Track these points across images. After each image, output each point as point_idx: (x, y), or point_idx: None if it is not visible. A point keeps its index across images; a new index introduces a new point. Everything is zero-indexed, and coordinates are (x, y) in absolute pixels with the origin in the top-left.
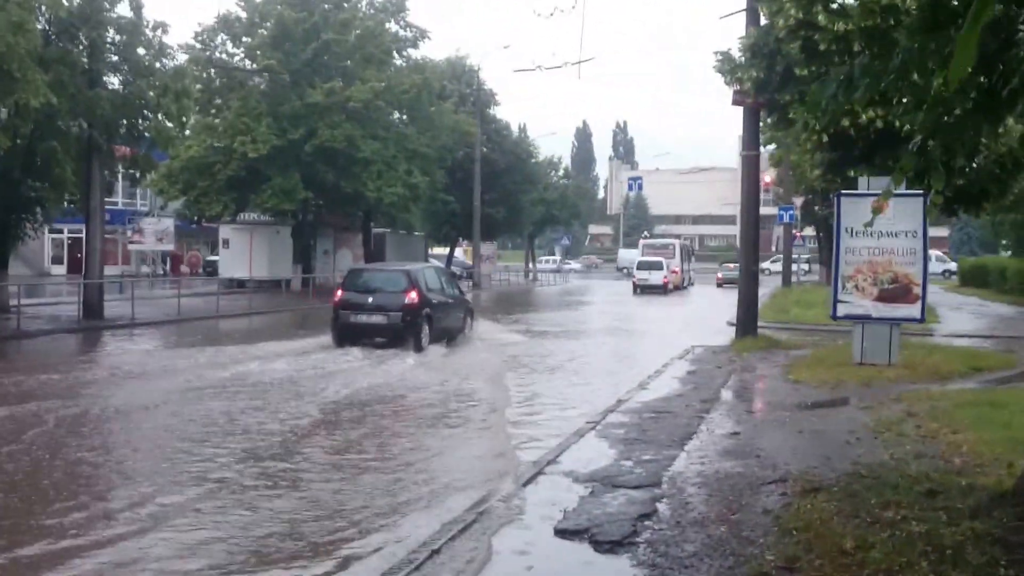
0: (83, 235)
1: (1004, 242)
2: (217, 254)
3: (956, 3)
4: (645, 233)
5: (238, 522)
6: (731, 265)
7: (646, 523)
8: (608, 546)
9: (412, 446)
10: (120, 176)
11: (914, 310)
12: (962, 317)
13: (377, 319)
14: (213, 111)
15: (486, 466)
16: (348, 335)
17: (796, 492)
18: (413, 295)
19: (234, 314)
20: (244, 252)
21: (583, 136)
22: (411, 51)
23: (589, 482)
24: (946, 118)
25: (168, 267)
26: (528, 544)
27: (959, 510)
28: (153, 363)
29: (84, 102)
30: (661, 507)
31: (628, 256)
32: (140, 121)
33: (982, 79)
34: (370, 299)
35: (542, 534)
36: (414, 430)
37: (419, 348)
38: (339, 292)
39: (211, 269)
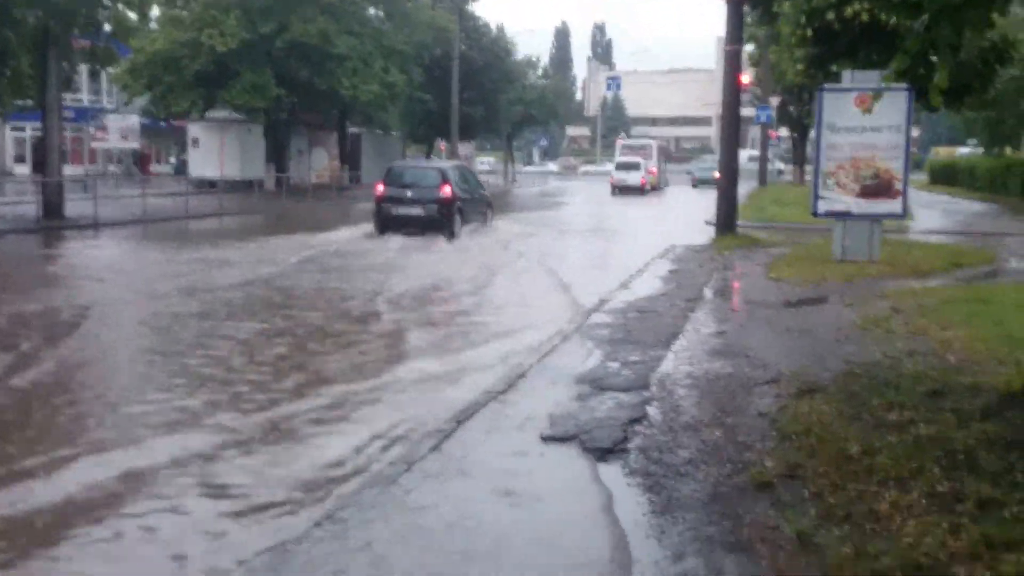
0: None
1: (974, 141)
2: (186, 153)
3: None
4: (622, 134)
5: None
6: (706, 164)
7: (637, 428)
8: (598, 454)
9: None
10: (80, 70)
11: (895, 206)
12: (935, 214)
13: (416, 211)
14: (179, 3)
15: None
16: (390, 225)
17: (791, 393)
18: (447, 190)
19: (204, 215)
20: (215, 151)
21: (562, 36)
22: None
23: (575, 384)
24: None
25: (138, 166)
26: (514, 452)
27: (968, 412)
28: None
29: None
30: (651, 411)
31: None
32: (99, 10)
33: None
34: (409, 193)
35: (528, 442)
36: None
37: (452, 235)
38: (380, 187)
39: (181, 169)
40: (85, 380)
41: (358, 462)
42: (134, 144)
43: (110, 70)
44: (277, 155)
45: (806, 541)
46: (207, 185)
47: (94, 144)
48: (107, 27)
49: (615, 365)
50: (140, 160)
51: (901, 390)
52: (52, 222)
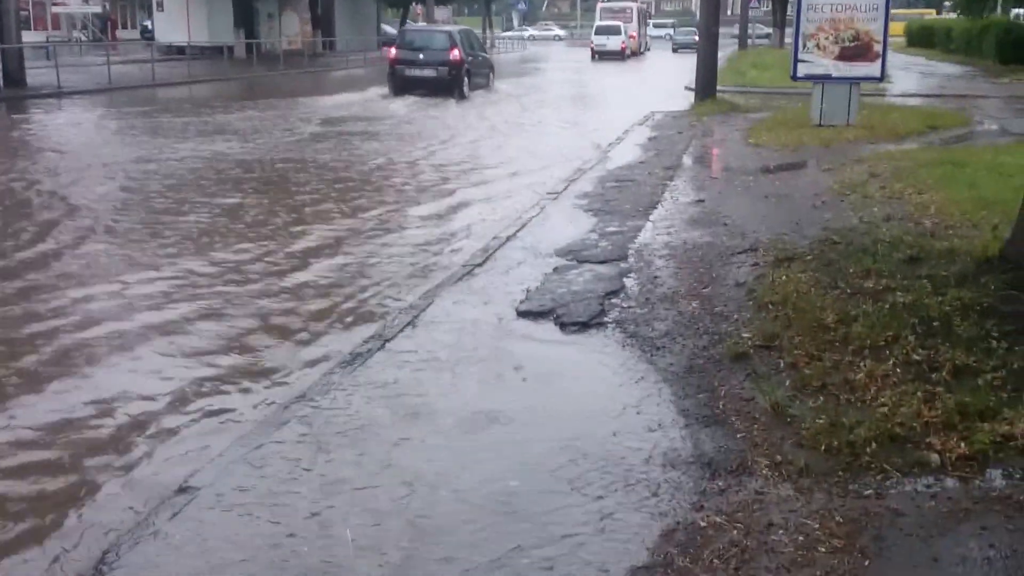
0: None
1: (950, 3)
2: (150, 18)
3: None
4: None
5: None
6: (686, 29)
7: (614, 301)
8: (575, 328)
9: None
10: None
11: (874, 68)
12: (912, 77)
13: (428, 72)
14: None
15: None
16: (404, 86)
17: (768, 262)
18: (456, 53)
19: (171, 82)
20: (181, 15)
21: None
22: None
23: (552, 257)
24: None
25: (106, 32)
26: (488, 329)
27: (944, 278)
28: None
29: None
30: (629, 282)
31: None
32: None
33: None
34: (421, 56)
35: (503, 316)
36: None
37: (462, 96)
38: (393, 50)
39: (148, 35)
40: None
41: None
42: (96, 8)
43: None
44: (246, 19)
45: (781, 413)
46: (175, 51)
47: (54, 8)
48: None
49: (593, 236)
50: (107, 25)
51: (878, 257)
52: (13, 91)
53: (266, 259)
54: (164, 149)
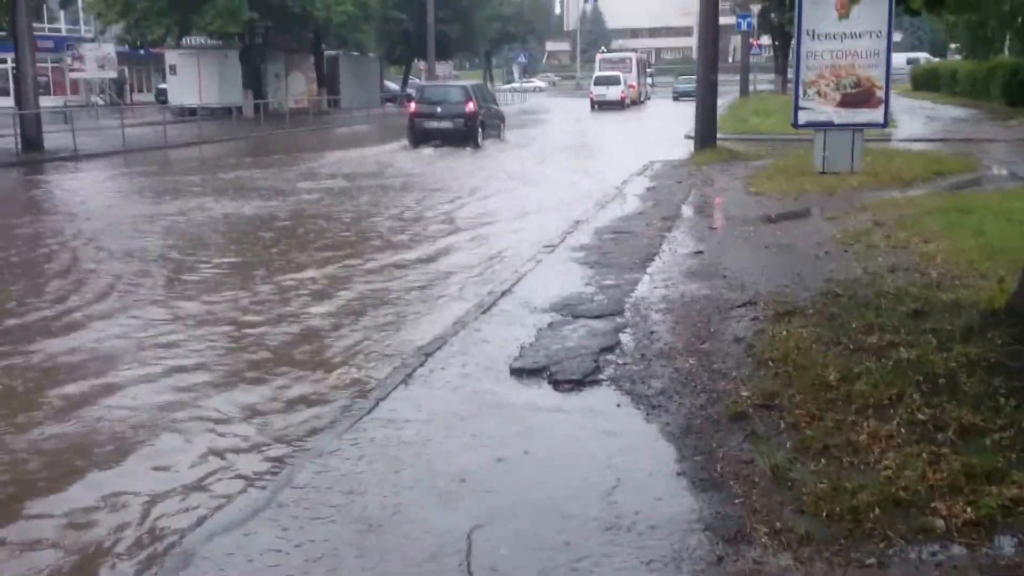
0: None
1: (954, 46)
2: (165, 81)
3: None
4: (602, 48)
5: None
6: (687, 77)
7: (609, 357)
8: (568, 386)
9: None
10: None
11: (877, 114)
12: (917, 121)
13: (445, 124)
14: None
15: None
16: (422, 137)
17: (768, 316)
18: (471, 105)
19: (183, 143)
20: (192, 79)
21: None
22: None
23: (547, 312)
24: None
25: (123, 96)
26: (481, 388)
27: (949, 332)
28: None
29: None
30: (625, 338)
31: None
32: None
33: None
34: (438, 109)
35: (496, 374)
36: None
37: (476, 146)
38: (412, 104)
39: (163, 98)
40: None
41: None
42: (112, 73)
43: None
44: (254, 80)
45: (781, 476)
46: (187, 113)
47: (72, 74)
48: None
49: (589, 290)
50: (123, 89)
51: (882, 311)
52: (31, 155)
53: (256, 307)
54: (169, 206)
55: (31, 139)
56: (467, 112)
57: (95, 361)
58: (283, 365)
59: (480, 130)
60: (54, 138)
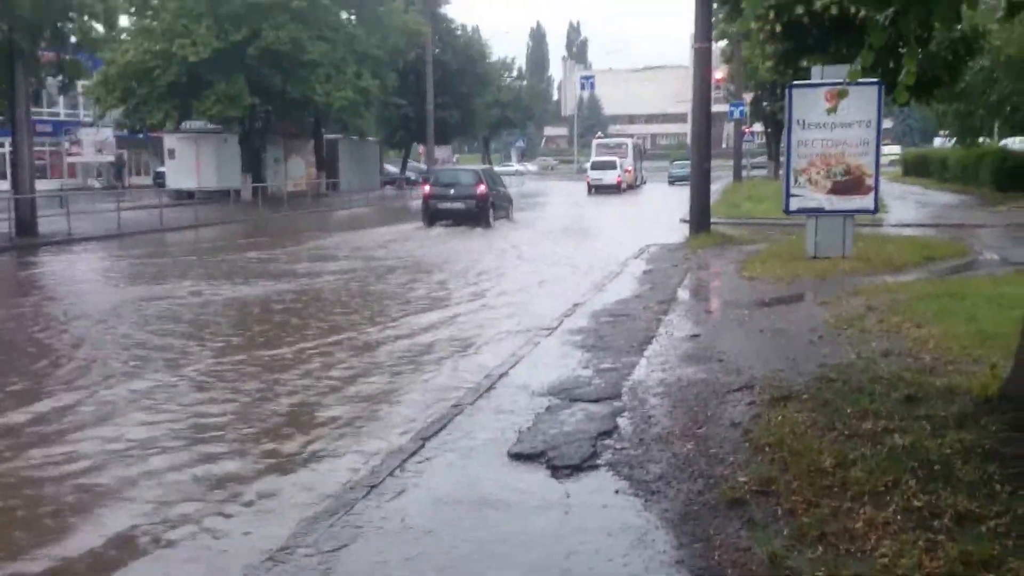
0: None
1: (944, 132)
2: (163, 165)
3: None
4: (599, 133)
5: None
6: (682, 162)
7: (607, 442)
8: (567, 471)
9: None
10: (54, 84)
11: (867, 201)
12: (908, 206)
13: (458, 205)
14: (150, 13)
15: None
16: (437, 217)
17: (764, 401)
18: (482, 188)
19: (179, 226)
20: (191, 162)
21: (537, 37)
22: None
23: (545, 396)
24: None
25: (120, 178)
26: (480, 474)
27: (943, 419)
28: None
29: (2, 3)
30: (622, 422)
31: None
32: (65, 23)
33: None
34: (451, 191)
35: (494, 459)
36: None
37: (488, 225)
38: (427, 187)
39: (160, 181)
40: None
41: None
42: (109, 157)
43: (81, 83)
44: (253, 164)
45: (779, 564)
46: (184, 196)
47: (69, 158)
48: (73, 39)
49: (587, 373)
50: (120, 172)
51: (875, 396)
52: (25, 239)
53: (245, 388)
54: (152, 290)
55: (26, 223)
56: (479, 194)
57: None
58: (279, 440)
59: (491, 211)
60: (49, 222)
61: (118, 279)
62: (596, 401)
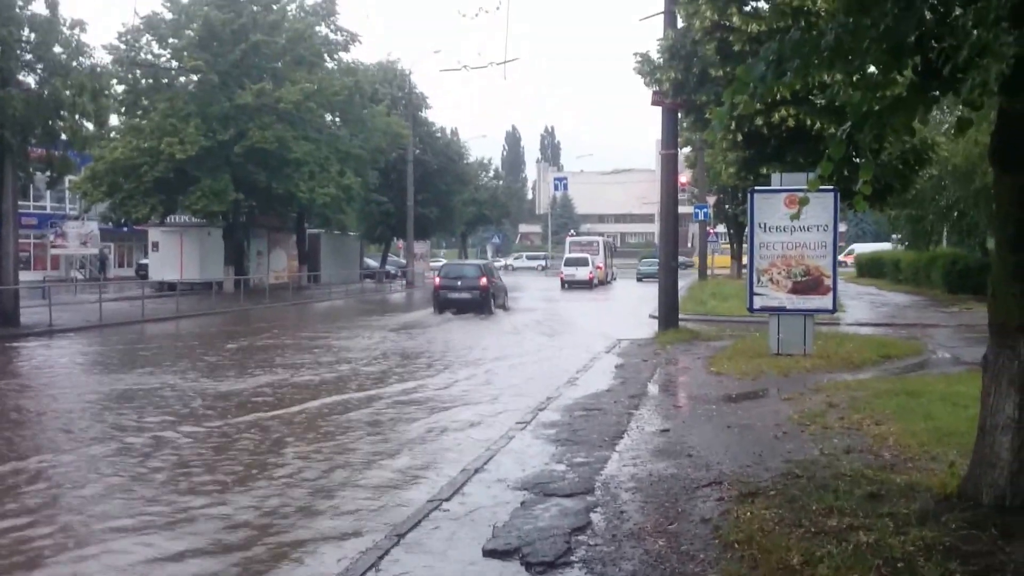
0: None
1: (897, 236)
2: (147, 257)
3: None
4: (571, 231)
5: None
6: (650, 260)
7: (580, 538)
8: (540, 568)
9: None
10: (40, 179)
11: (826, 301)
12: (864, 306)
13: (464, 295)
14: (139, 112)
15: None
16: (445, 305)
17: (733, 497)
18: (485, 280)
19: (161, 318)
20: (174, 254)
21: (513, 140)
22: (342, 54)
23: (520, 490)
24: (876, 105)
25: (104, 270)
26: (454, 570)
27: (905, 516)
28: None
29: None
30: (596, 518)
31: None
32: (55, 121)
33: (917, 59)
34: (459, 283)
35: (469, 555)
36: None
37: (489, 312)
38: (437, 279)
39: (143, 272)
40: None
41: None
42: (93, 250)
43: (69, 178)
44: (236, 257)
45: None
46: (166, 287)
47: (53, 250)
48: (64, 137)
49: (560, 468)
50: (104, 264)
51: (840, 494)
52: (6, 330)
53: (213, 488)
54: (124, 383)
55: (7, 314)
56: (481, 286)
57: None
58: (250, 545)
59: (492, 300)
60: (31, 312)
61: (93, 370)
62: (570, 496)
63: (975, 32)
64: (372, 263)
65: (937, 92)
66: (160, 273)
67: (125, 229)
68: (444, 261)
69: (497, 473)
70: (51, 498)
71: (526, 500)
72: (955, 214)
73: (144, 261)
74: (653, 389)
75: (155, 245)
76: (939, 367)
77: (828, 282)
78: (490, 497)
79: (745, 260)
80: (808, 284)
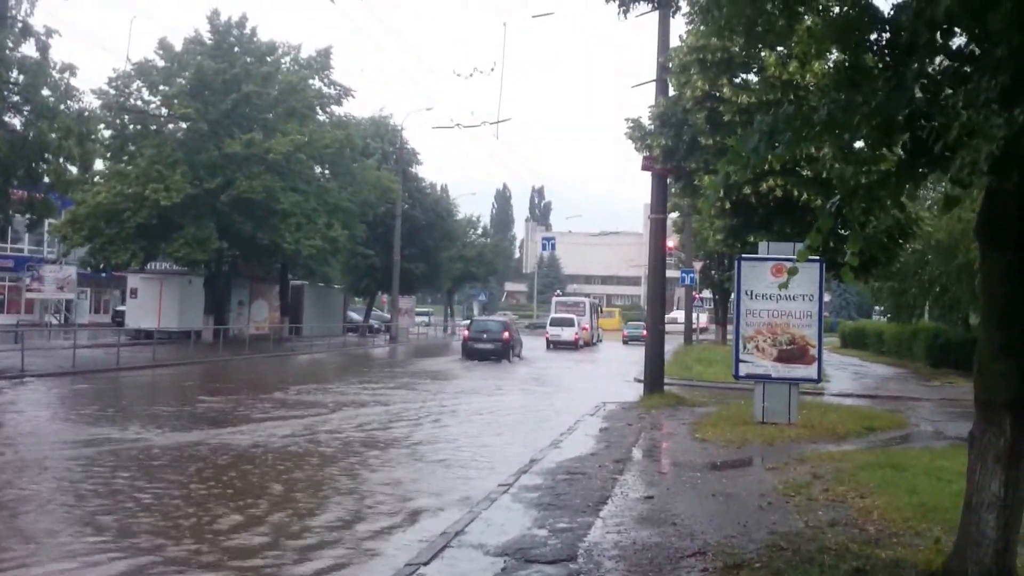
0: None
1: (880, 307)
2: (123, 304)
3: (871, 64)
4: (557, 291)
5: None
6: (636, 323)
7: None
8: None
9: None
10: (20, 221)
11: (811, 371)
12: (847, 377)
13: (489, 346)
14: (126, 158)
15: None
16: (473, 355)
17: (718, 568)
18: (507, 334)
19: (136, 366)
20: (152, 302)
21: (502, 198)
22: (335, 108)
23: (501, 556)
24: (864, 180)
25: (75, 316)
26: None
27: None
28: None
29: None
30: None
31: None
32: (39, 164)
33: (906, 135)
34: (485, 335)
35: None
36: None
37: (510, 360)
38: (466, 332)
39: (119, 319)
40: None
41: None
42: (71, 295)
43: (50, 221)
44: (217, 306)
45: None
46: (143, 335)
47: (28, 294)
48: (47, 179)
49: (543, 533)
50: (69, 307)
51: (825, 568)
52: None
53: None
54: (91, 434)
55: None
56: (504, 339)
57: None
58: None
59: (511, 351)
60: (3, 356)
61: (59, 418)
62: (552, 563)
63: (965, 113)
64: (355, 316)
65: (926, 169)
66: (137, 320)
67: (103, 275)
68: (430, 314)
69: (477, 537)
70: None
71: (507, 566)
72: (937, 288)
73: (120, 308)
74: (638, 454)
75: (133, 292)
76: (923, 441)
77: (813, 351)
78: (470, 562)
79: (730, 327)
80: (793, 353)
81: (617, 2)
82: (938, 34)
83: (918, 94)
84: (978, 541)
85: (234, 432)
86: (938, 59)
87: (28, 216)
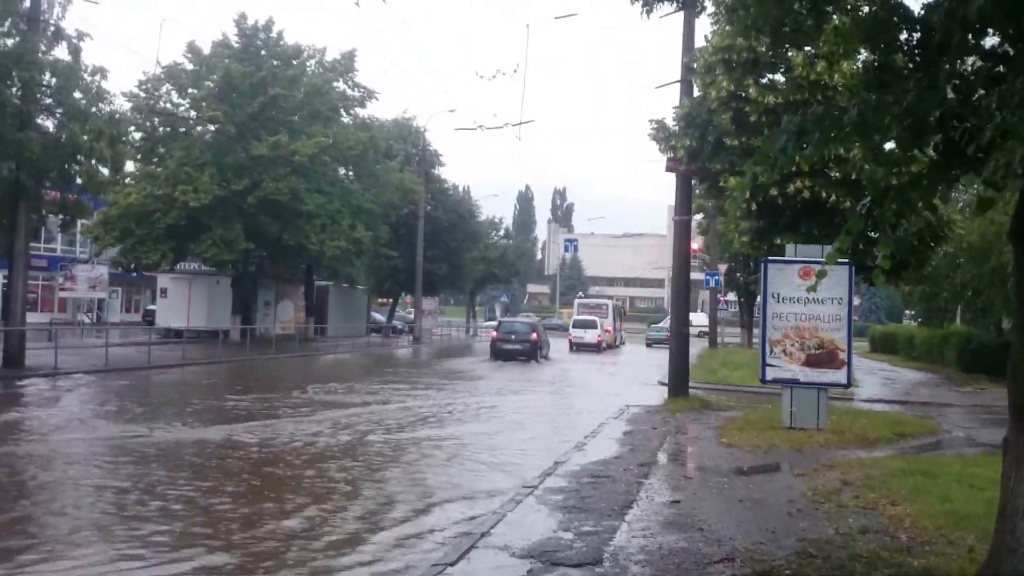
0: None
1: (911, 311)
2: (154, 303)
3: (901, 64)
4: (580, 293)
5: None
6: (660, 325)
7: None
8: None
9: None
10: (53, 221)
11: (840, 375)
12: (878, 382)
13: (517, 347)
14: (155, 160)
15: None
16: (501, 355)
17: (746, 574)
18: (535, 335)
19: (166, 364)
20: (182, 302)
21: (525, 200)
22: (359, 110)
23: (526, 558)
24: (895, 181)
25: (106, 314)
26: None
27: None
28: None
29: (13, 144)
30: None
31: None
32: (72, 165)
33: (938, 137)
34: (513, 336)
35: None
36: None
37: (537, 361)
38: (495, 333)
39: (149, 318)
40: None
41: None
42: (102, 294)
43: (81, 222)
44: (244, 306)
45: None
46: (172, 334)
47: (61, 293)
48: (79, 181)
49: (568, 536)
50: (100, 307)
51: None
52: (10, 371)
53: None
54: (122, 432)
55: (13, 355)
56: (532, 340)
57: None
58: None
59: (539, 351)
60: (36, 355)
61: (93, 416)
62: (578, 566)
63: (999, 114)
64: (379, 317)
65: (958, 171)
66: (167, 320)
67: (134, 275)
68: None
69: (502, 539)
70: None
71: (532, 568)
72: (969, 292)
73: (151, 307)
74: (663, 458)
75: (163, 291)
76: (955, 447)
77: (843, 356)
78: (495, 564)
79: (756, 330)
80: (822, 357)
81: (641, 2)
82: (971, 34)
83: (950, 95)
84: (1013, 549)
85: (258, 426)
86: (971, 59)
87: (61, 217)
